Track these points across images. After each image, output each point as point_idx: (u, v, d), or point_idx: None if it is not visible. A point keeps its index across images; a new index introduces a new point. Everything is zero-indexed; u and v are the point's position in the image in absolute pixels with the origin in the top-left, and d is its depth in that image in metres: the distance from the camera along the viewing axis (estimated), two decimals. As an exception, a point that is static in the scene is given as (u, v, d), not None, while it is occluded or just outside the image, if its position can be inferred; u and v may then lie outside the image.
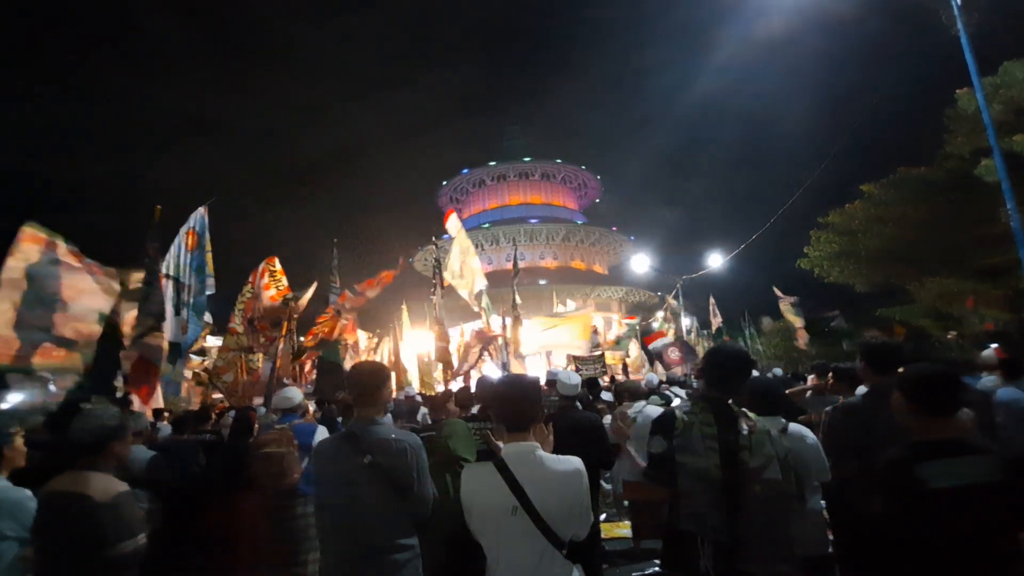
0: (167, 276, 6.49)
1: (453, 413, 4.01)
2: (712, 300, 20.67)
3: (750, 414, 2.06)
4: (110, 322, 5.67)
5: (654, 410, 4.86)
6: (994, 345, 5.89)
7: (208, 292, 7.13)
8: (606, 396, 6.81)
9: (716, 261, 20.78)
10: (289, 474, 3.33)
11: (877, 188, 16.57)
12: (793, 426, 2.75)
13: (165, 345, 6.11)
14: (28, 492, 2.28)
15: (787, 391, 4.95)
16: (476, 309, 11.94)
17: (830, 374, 4.18)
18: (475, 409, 3.97)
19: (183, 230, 6.80)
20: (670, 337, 15.03)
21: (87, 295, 5.08)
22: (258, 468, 3.34)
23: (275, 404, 4.35)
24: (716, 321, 20.58)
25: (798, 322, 16.94)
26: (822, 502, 2.85)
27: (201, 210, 6.96)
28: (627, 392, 5.46)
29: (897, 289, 17.99)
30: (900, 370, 2.06)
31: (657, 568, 4.53)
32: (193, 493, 3.46)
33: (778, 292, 17.19)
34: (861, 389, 4.15)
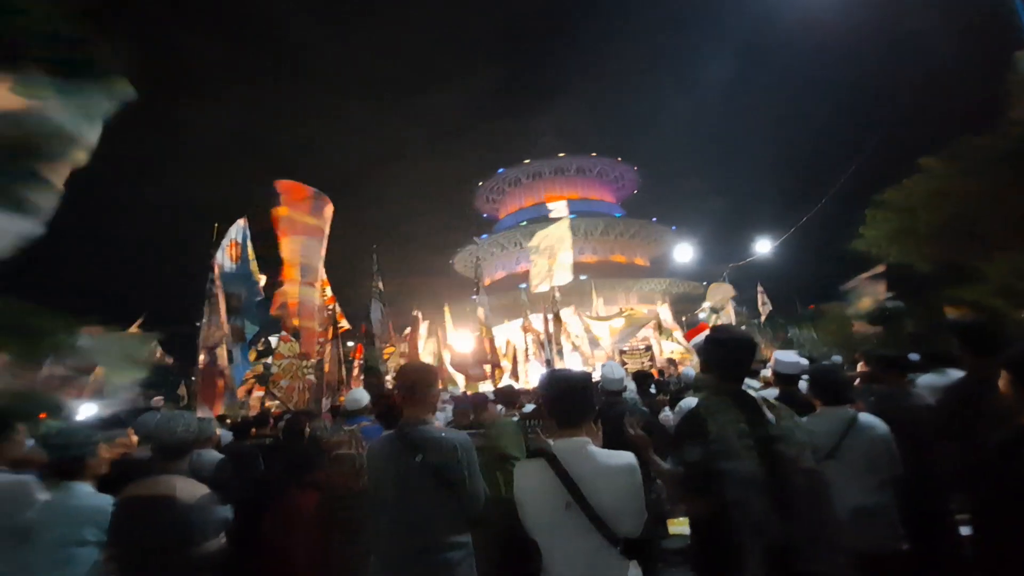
0: (220, 288, 6.78)
1: (495, 412, 4.02)
2: (760, 288, 19.95)
3: (771, 400, 1.91)
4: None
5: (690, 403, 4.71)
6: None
7: (257, 298, 7.44)
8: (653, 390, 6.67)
9: (764, 247, 20.04)
10: (361, 475, 3.40)
11: (936, 161, 15.55)
12: (863, 416, 2.58)
13: (226, 353, 6.40)
14: (110, 498, 2.35)
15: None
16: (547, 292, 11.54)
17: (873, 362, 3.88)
18: (528, 407, 3.96)
19: (225, 243, 7.09)
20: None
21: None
22: (330, 470, 3.42)
23: (345, 406, 4.47)
24: (765, 309, 19.85)
25: (871, 305, 15.78)
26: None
27: (241, 221, 7.24)
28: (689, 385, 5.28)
29: (963, 267, 16.83)
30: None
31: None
32: (257, 495, 3.59)
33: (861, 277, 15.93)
34: (928, 378, 3.90)
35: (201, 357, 6.18)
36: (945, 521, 2.84)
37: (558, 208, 11.77)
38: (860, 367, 5.37)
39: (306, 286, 7.00)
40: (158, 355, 8.06)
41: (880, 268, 15.31)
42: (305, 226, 7.00)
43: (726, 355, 1.97)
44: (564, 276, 11.38)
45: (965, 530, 2.63)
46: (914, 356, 6.17)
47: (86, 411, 7.26)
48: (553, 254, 11.39)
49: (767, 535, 1.72)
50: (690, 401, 4.81)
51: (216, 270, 6.53)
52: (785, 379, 3.39)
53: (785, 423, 1.81)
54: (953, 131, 15.60)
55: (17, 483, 2.45)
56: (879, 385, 3.41)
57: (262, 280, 7.49)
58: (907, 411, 2.82)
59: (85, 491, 2.36)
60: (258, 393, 9.52)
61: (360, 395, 4.40)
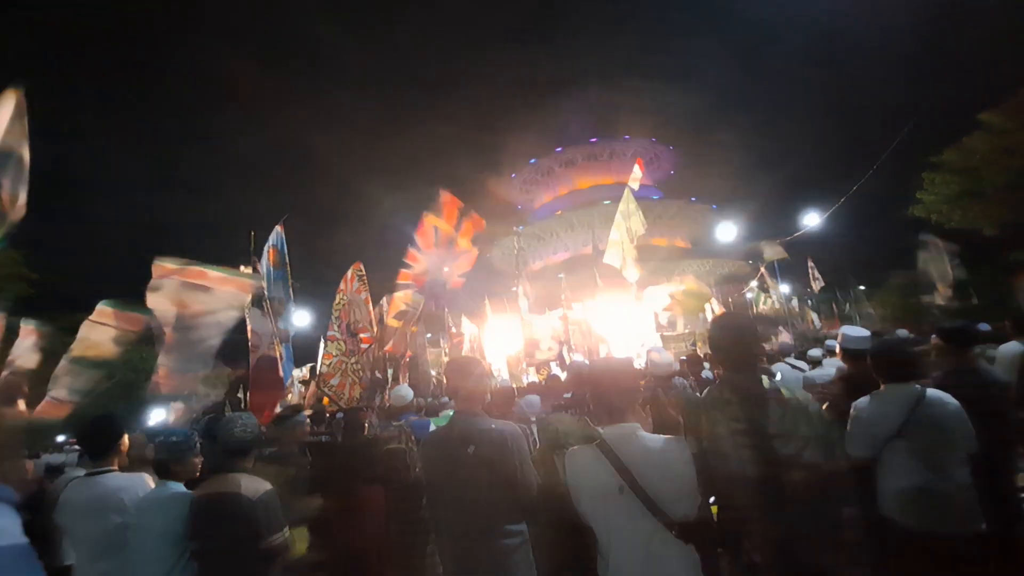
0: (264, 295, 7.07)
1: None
2: (811, 263, 19.14)
3: (784, 390, 1.83)
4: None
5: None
6: None
7: (290, 303, 7.72)
8: (707, 374, 6.53)
9: (812, 220, 19.17)
10: (411, 468, 3.51)
11: (999, 116, 14.44)
12: (932, 392, 2.43)
13: (278, 355, 6.67)
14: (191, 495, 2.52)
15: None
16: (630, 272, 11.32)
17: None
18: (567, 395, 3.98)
19: (265, 249, 7.36)
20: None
21: (214, 312, 5.63)
22: (383, 464, 3.54)
23: (391, 403, 4.61)
24: (817, 285, 19.05)
25: (941, 274, 14.69)
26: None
27: (278, 227, 7.49)
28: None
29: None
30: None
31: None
32: (319, 491, 3.74)
33: (929, 239, 14.79)
34: (1011, 347, 3.62)
35: (252, 361, 6.45)
36: (1014, 502, 2.68)
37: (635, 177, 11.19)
38: (934, 340, 5.08)
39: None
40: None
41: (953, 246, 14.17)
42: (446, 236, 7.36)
43: (729, 343, 1.91)
44: (613, 258, 11.13)
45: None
46: (984, 326, 5.76)
47: (157, 415, 7.74)
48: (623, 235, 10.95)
49: (757, 530, 1.71)
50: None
51: (261, 275, 6.79)
52: (853, 355, 3.22)
53: (790, 418, 1.74)
54: (1014, 82, 14.44)
55: (139, 483, 2.66)
56: (945, 359, 3.20)
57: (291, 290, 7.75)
58: (974, 387, 2.65)
59: (179, 489, 2.52)
60: (312, 391, 9.92)
61: (405, 392, 4.51)
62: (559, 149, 52.83)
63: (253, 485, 2.37)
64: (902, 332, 6.89)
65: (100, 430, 2.78)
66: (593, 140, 51.88)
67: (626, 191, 10.59)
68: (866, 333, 3.31)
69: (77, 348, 5.61)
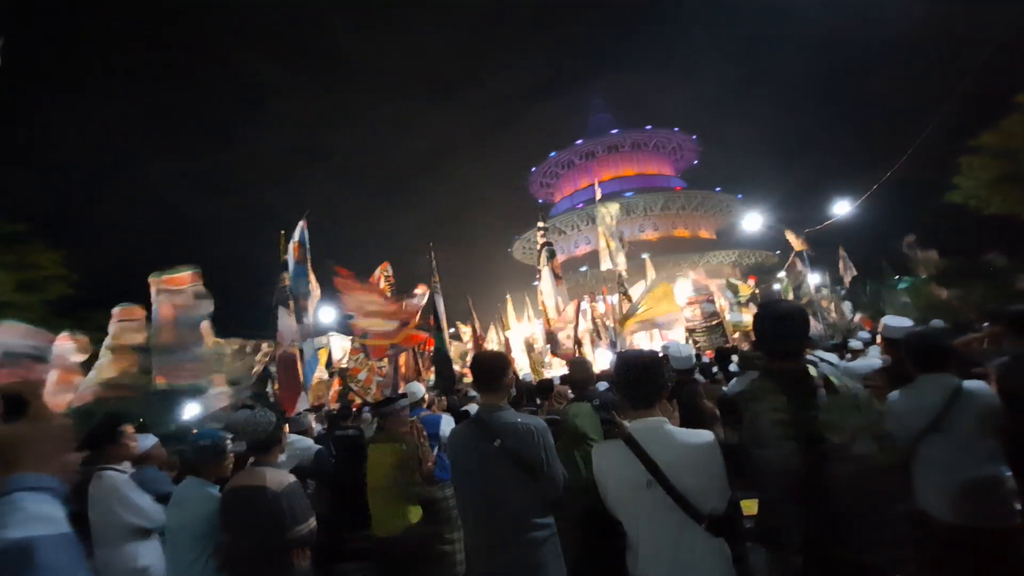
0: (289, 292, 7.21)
1: (566, 396, 4.05)
2: (842, 252, 18.60)
3: (833, 378, 1.74)
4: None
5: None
6: None
7: (310, 299, 7.85)
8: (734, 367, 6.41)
9: (843, 208, 18.60)
10: (424, 462, 3.57)
11: (1038, 96, 13.78)
12: (969, 383, 2.37)
13: (298, 352, 6.81)
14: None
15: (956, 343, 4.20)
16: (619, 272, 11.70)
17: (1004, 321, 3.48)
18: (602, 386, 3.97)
19: (290, 245, 7.48)
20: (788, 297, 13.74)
21: (187, 307, 6.12)
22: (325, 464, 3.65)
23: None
24: (848, 275, 18.52)
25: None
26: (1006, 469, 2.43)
27: (301, 223, 7.60)
28: (746, 362, 5.03)
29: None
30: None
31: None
32: (348, 482, 3.84)
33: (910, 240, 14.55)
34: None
35: (279, 357, 6.60)
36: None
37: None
38: (987, 328, 4.89)
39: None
40: (258, 361, 8.68)
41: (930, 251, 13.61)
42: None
43: (773, 331, 1.83)
44: (616, 260, 11.35)
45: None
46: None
47: (191, 410, 7.98)
48: (608, 236, 11.42)
49: (800, 523, 1.63)
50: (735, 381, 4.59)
51: (287, 273, 6.93)
52: (896, 345, 3.13)
53: (840, 406, 1.66)
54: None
55: (123, 480, 2.82)
56: (1011, 345, 3.04)
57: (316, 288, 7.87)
58: None
59: (209, 488, 2.64)
60: (336, 387, 10.08)
61: (416, 388, 4.59)
62: (579, 141, 52.41)
63: (278, 478, 2.43)
64: (938, 322, 6.68)
65: (95, 429, 2.97)
66: (614, 131, 51.31)
67: (596, 191, 11.02)
68: (908, 323, 3.22)
69: (109, 342, 5.98)
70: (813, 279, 16.27)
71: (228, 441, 2.78)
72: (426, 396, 4.64)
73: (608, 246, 11.46)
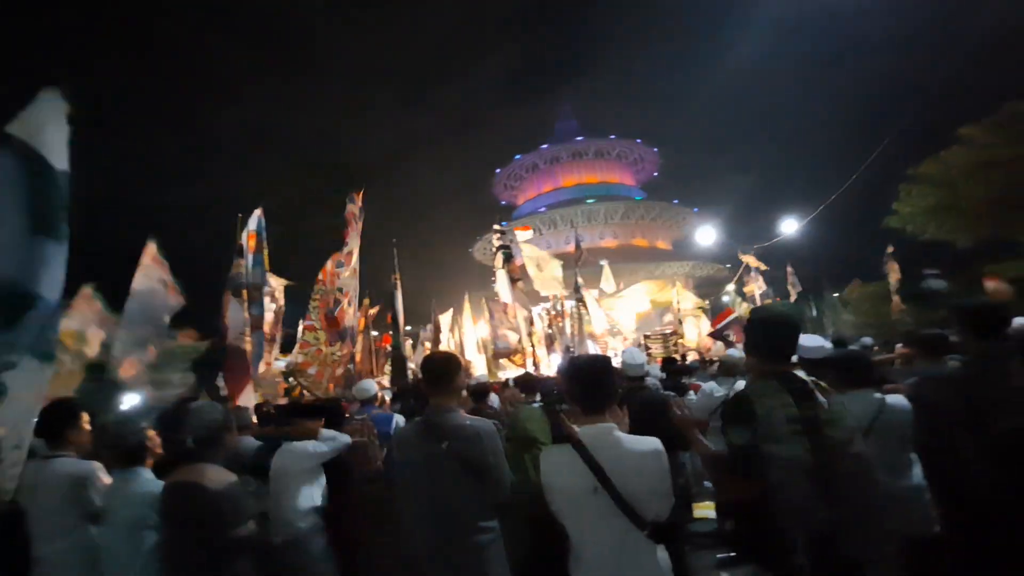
0: (230, 280, 6.95)
1: (518, 398, 4.04)
2: (789, 268, 19.46)
3: (822, 383, 1.83)
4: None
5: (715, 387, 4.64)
6: None
7: (266, 289, 7.59)
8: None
9: (791, 227, 19.48)
10: (373, 461, 3.48)
11: (980, 130, 14.82)
12: (891, 397, 2.55)
13: (250, 346, 6.55)
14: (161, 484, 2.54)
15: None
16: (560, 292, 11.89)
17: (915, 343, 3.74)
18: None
19: (244, 234, 7.20)
20: (737, 313, 14.30)
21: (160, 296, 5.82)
22: (345, 457, 3.52)
23: (355, 395, 4.56)
24: (795, 291, 19.40)
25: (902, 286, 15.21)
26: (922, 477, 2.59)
27: (257, 212, 7.32)
28: (723, 368, 5.15)
29: (1007, 242, 16.10)
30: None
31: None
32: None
33: (892, 250, 15.28)
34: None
35: (229, 348, 6.33)
36: (975, 505, 2.76)
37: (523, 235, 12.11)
38: (899, 348, 5.22)
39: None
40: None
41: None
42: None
43: (767, 335, 1.90)
44: (552, 287, 11.60)
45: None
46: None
47: (130, 401, 7.53)
48: (540, 265, 11.54)
49: (811, 520, 1.67)
50: (712, 385, 4.74)
51: (242, 260, 6.68)
52: (810, 364, 3.29)
53: (836, 407, 1.75)
54: (995, 99, 14.84)
55: (86, 468, 2.65)
56: (923, 366, 3.29)
57: (272, 280, 7.64)
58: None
59: (147, 476, 2.53)
60: (284, 385, 9.75)
61: (368, 385, 4.49)
62: (545, 146, 52.85)
63: (218, 476, 2.32)
64: (867, 340, 7.05)
65: (52, 414, 2.75)
66: (579, 138, 51.98)
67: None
68: (821, 342, 3.35)
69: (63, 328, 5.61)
70: (761, 294, 16.97)
71: (148, 430, 2.67)
72: (379, 394, 4.54)
73: (539, 269, 11.43)
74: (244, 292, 6.62)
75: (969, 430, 2.48)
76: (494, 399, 7.04)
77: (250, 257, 6.85)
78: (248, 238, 6.97)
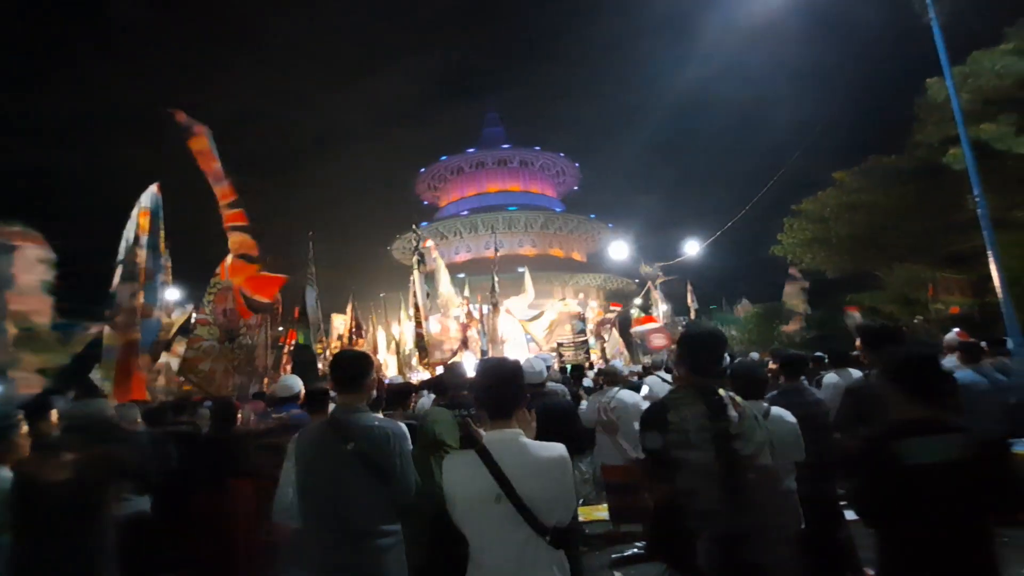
0: (120, 263, 6.30)
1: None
2: (689, 286, 20.96)
3: (738, 398, 1.98)
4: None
5: (628, 395, 4.94)
6: (956, 329, 6.14)
7: (160, 274, 6.96)
8: (588, 383, 6.86)
9: (693, 248, 21.05)
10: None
11: (848, 176, 16.93)
12: (774, 409, 2.84)
13: (138, 335, 5.99)
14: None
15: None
16: (458, 303, 12.21)
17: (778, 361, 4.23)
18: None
19: (135, 211, 6.55)
20: (660, 323, 15.19)
21: (32, 270, 5.09)
22: (257, 458, 3.32)
23: (275, 392, 4.29)
24: (693, 307, 20.90)
25: (801, 307, 16.88)
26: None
27: (153, 188, 6.69)
28: (606, 377, 5.49)
29: (866, 275, 18.50)
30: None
31: (636, 550, 4.62)
32: (177, 484, 3.42)
33: (795, 273, 16.91)
34: (832, 377, 4.31)
35: (117, 338, 5.75)
36: (834, 505, 3.18)
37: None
38: (771, 365, 5.83)
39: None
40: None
41: (805, 283, 16.43)
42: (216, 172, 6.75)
43: (693, 350, 2.05)
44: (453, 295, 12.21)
45: (849, 514, 2.98)
46: (819, 355, 6.70)
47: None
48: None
49: (716, 524, 1.80)
50: (614, 391, 5.03)
51: (140, 248, 6.08)
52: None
53: (747, 422, 1.89)
54: (867, 147, 17.02)
55: None
56: (782, 382, 3.75)
57: (167, 260, 7.01)
58: (799, 405, 3.12)
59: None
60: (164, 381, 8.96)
61: (292, 382, 4.23)
62: (471, 150, 52.89)
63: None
64: (755, 355, 7.79)
65: None
66: (505, 146, 52.59)
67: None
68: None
69: None
70: (663, 308, 18.14)
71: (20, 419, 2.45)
72: (301, 392, 4.25)
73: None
74: (141, 278, 6.04)
75: (845, 436, 2.87)
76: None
77: (144, 238, 6.23)
78: (140, 216, 6.35)
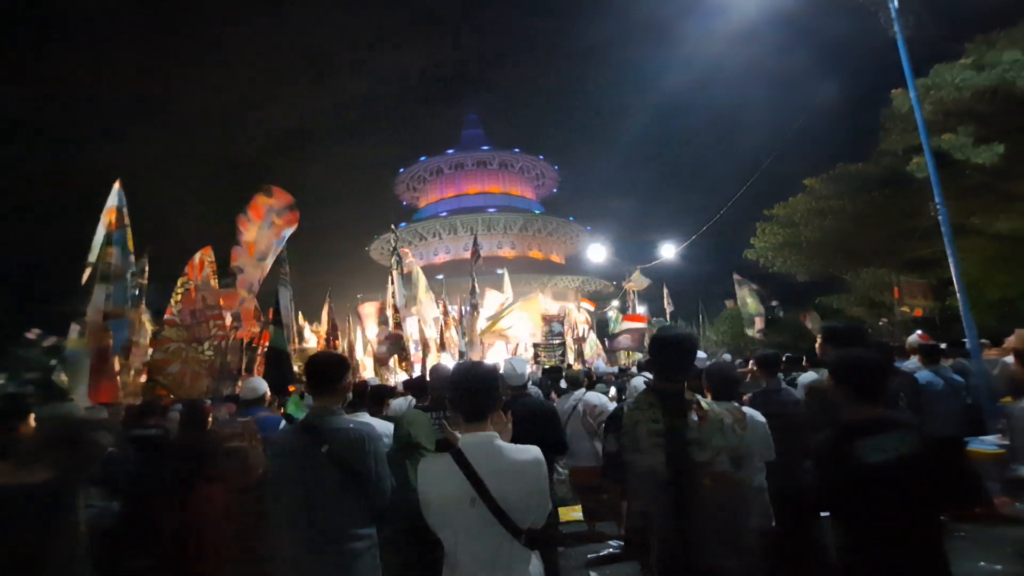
0: (89, 263, 6.14)
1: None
2: (666, 288, 21.27)
3: (703, 402, 1.98)
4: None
5: (594, 397, 4.99)
6: (919, 332, 6.39)
7: (131, 271, 6.82)
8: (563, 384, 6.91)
9: (669, 251, 21.40)
10: (253, 469, 3.23)
11: (818, 182, 17.42)
12: (747, 409, 2.90)
13: (110, 339, 5.84)
14: None
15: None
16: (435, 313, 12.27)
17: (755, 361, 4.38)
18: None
19: (105, 210, 6.40)
20: (644, 325, 15.26)
21: None
22: (222, 463, 3.25)
23: (241, 395, 4.20)
24: (669, 309, 21.21)
25: (754, 307, 17.21)
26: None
27: (116, 185, 6.54)
28: (569, 380, 5.52)
29: (834, 279, 19.05)
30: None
31: (611, 549, 4.68)
32: (145, 490, 3.34)
33: (738, 278, 17.33)
34: (808, 376, 4.44)
35: (89, 338, 5.59)
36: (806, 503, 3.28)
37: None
38: (750, 366, 5.98)
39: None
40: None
41: (755, 285, 16.87)
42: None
43: (658, 354, 2.08)
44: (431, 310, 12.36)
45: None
46: (789, 355, 6.90)
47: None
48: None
49: (662, 527, 1.83)
50: (580, 392, 5.09)
51: (111, 248, 5.93)
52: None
53: (709, 426, 1.89)
54: (837, 155, 17.54)
55: None
56: (759, 381, 3.83)
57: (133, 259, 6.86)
58: (777, 404, 3.20)
59: None
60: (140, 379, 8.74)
61: (258, 384, 4.14)
62: (451, 151, 52.75)
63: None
64: (727, 356, 7.97)
65: None
66: (485, 148, 52.59)
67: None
68: (702, 355, 3.86)
69: None
70: (640, 310, 18.37)
71: None
72: (267, 395, 4.16)
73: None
74: (111, 276, 5.88)
75: (814, 435, 2.96)
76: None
77: (115, 236, 6.07)
78: (107, 214, 6.18)
